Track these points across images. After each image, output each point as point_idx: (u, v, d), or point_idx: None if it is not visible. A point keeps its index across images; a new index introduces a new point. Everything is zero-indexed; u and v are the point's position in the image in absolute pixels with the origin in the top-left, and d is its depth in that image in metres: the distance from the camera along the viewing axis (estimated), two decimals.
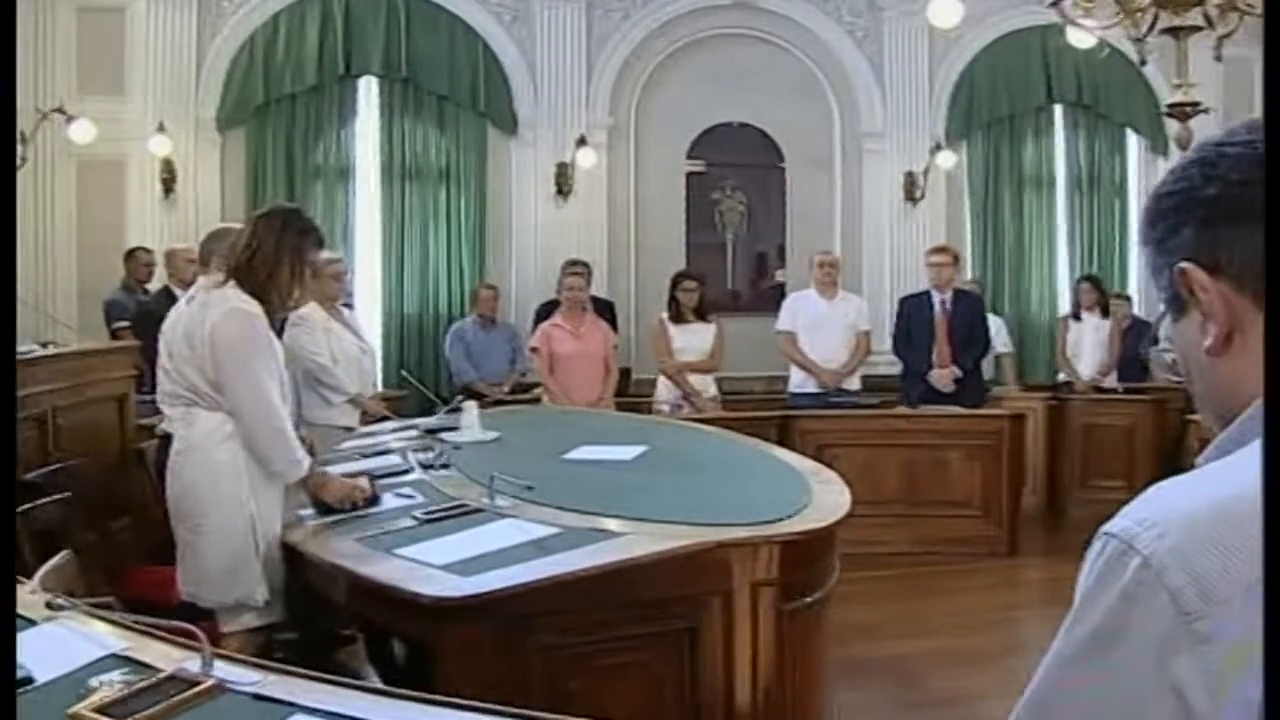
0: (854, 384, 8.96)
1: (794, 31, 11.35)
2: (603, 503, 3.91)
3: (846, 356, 8.87)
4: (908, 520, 8.04)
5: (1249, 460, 1.02)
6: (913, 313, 8.94)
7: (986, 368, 9.57)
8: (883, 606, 6.75)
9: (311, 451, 4.76)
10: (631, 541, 3.40)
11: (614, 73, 10.99)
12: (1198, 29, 6.33)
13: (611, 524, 3.61)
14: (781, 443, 6.86)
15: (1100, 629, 0.97)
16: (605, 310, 9.48)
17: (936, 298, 8.83)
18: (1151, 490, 1.03)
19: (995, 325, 9.85)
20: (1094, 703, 0.96)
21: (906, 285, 10.15)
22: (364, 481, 4.32)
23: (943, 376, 8.68)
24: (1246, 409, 1.09)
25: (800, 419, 8.31)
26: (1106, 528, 1.01)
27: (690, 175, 11.23)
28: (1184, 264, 1.12)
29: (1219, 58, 6.49)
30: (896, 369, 9.22)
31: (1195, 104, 6.61)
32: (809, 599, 3.64)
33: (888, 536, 7.71)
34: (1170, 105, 6.81)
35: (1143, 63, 6.95)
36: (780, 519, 3.67)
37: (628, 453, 5.13)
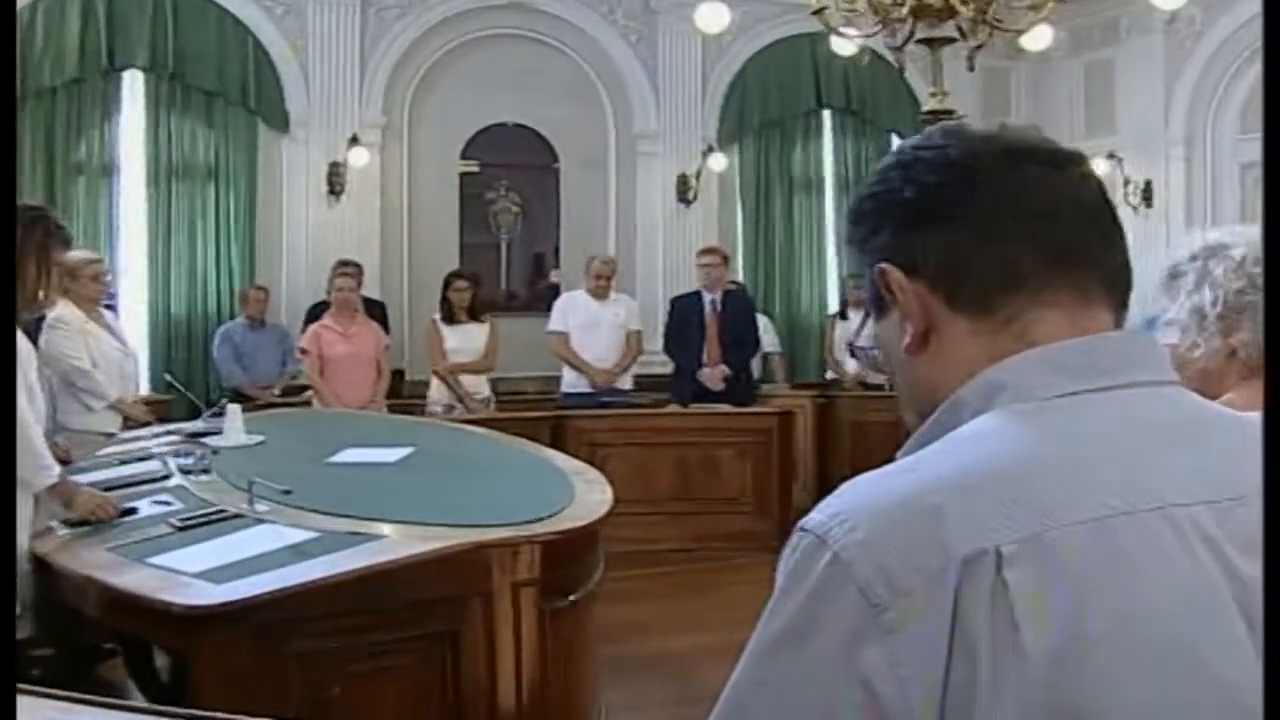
0: (626, 383, 9.03)
1: (569, 33, 11.35)
2: (364, 506, 3.86)
3: (618, 356, 8.93)
4: (681, 518, 8.14)
5: (938, 455, 1.05)
6: (683, 312, 9.05)
7: (755, 366, 9.75)
8: (656, 603, 6.82)
9: (66, 460, 4.61)
10: (391, 544, 3.38)
11: (388, 71, 10.82)
12: (951, 40, 6.60)
13: (371, 527, 3.58)
14: (555, 443, 6.89)
15: (793, 623, 0.97)
16: (377, 311, 9.34)
17: (707, 298, 8.95)
18: (848, 484, 1.04)
19: (763, 324, 10.03)
20: (787, 696, 0.97)
21: (679, 285, 10.23)
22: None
23: (713, 375, 8.80)
24: (940, 406, 1.13)
25: (573, 419, 8.34)
26: (802, 523, 1.01)
27: (464, 175, 11.13)
28: (882, 264, 1.15)
29: (972, 68, 6.78)
30: (668, 368, 9.33)
31: (950, 112, 6.88)
32: (572, 598, 3.67)
33: (661, 534, 7.79)
34: (926, 113, 7.08)
35: (901, 71, 7.21)
36: (541, 519, 3.69)
37: (393, 455, 5.08)
